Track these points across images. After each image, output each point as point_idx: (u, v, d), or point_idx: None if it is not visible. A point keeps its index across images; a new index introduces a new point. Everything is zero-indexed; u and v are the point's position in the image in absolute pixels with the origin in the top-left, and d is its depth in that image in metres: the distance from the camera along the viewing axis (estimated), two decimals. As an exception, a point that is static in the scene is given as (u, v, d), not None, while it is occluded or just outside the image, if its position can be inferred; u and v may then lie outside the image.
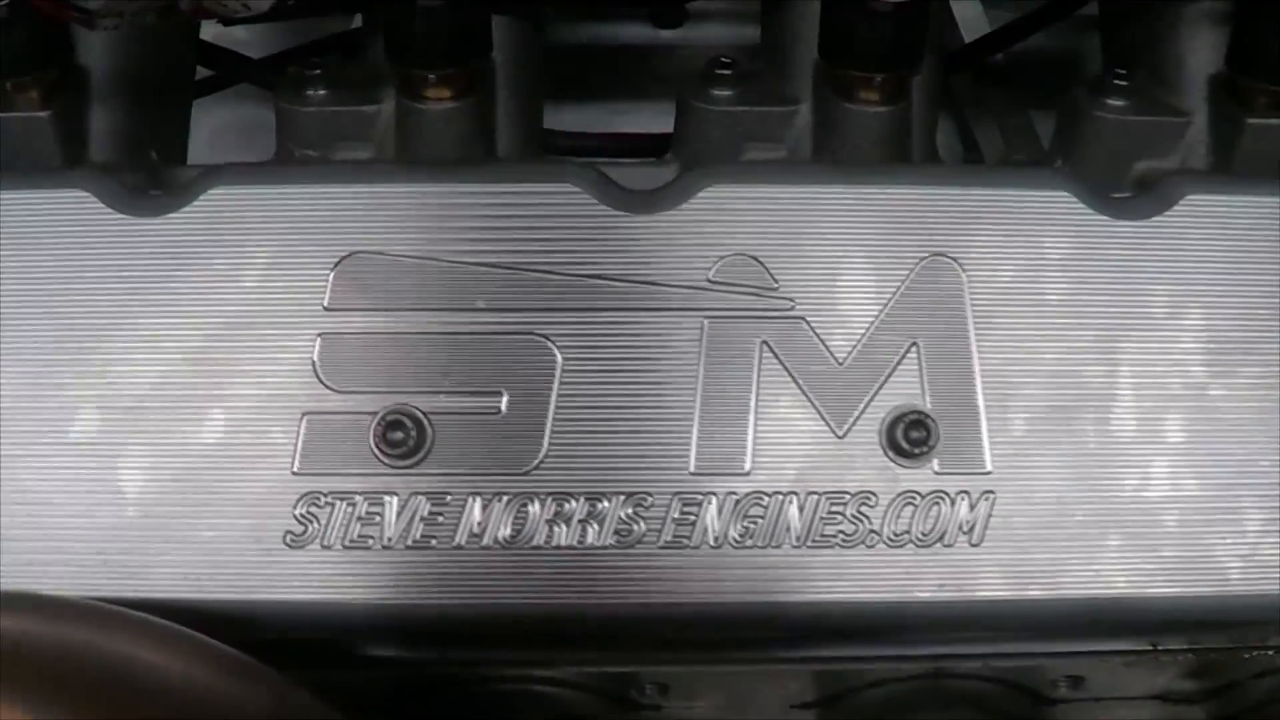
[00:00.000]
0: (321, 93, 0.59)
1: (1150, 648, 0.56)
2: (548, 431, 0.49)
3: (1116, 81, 0.62)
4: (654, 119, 0.83)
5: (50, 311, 0.49)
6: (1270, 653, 0.58)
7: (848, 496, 0.49)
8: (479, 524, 0.48)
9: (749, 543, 0.49)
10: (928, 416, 0.49)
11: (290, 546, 0.48)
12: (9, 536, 0.48)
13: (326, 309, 0.49)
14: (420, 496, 0.48)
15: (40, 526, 0.48)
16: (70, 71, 0.59)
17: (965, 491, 0.49)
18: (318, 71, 0.60)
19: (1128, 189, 0.58)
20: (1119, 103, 0.61)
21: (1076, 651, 0.56)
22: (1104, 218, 0.51)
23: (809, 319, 0.50)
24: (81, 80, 0.59)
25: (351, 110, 0.60)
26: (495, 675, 0.53)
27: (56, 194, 0.49)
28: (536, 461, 0.49)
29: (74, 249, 0.49)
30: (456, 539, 0.48)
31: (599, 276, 0.49)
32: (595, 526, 0.48)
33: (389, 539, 0.48)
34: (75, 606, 0.41)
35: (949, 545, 0.49)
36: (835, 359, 0.50)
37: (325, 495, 0.48)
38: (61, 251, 0.49)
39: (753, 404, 0.49)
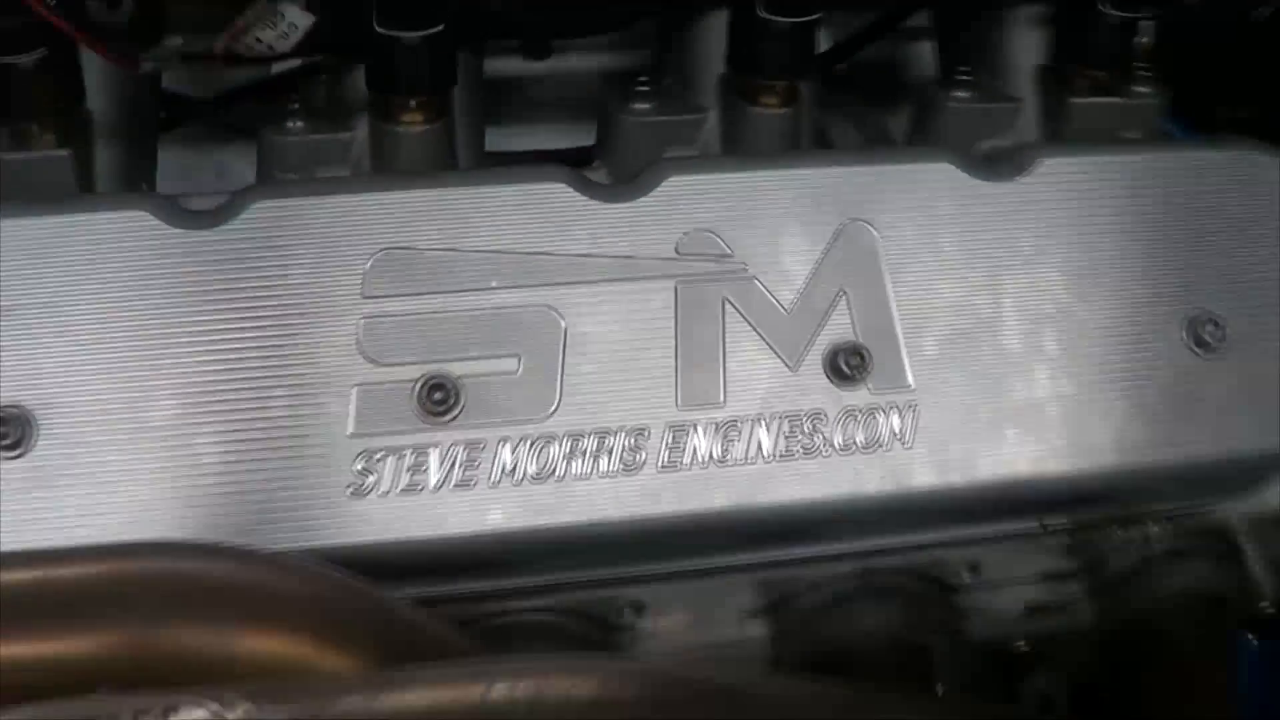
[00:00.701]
0: (300, 124, 0.69)
1: (1039, 526, 0.70)
2: (559, 385, 0.60)
3: (960, 77, 0.76)
4: (545, 139, 0.95)
5: (125, 316, 0.57)
6: (1139, 525, 0.73)
7: (803, 416, 0.61)
8: (509, 464, 0.59)
9: (729, 460, 0.61)
10: (860, 347, 0.62)
11: (353, 497, 0.58)
12: (97, 513, 0.56)
13: (364, 297, 0.59)
14: (459, 446, 0.59)
15: (128, 499, 0.56)
16: (80, 114, 0.67)
17: (895, 404, 0.62)
18: (296, 105, 0.70)
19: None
20: (964, 94, 0.76)
21: (978, 539, 0.70)
22: (979, 181, 0.65)
23: (759, 278, 0.62)
24: (88, 122, 0.67)
25: (330, 138, 0.69)
26: (498, 609, 0.63)
27: (119, 214, 0.58)
28: (552, 409, 0.60)
29: (141, 261, 0.57)
30: (492, 478, 0.59)
31: (589, 255, 0.61)
32: (605, 457, 0.60)
33: (435, 483, 0.58)
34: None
35: (886, 448, 0.62)
36: (783, 308, 0.62)
37: (378, 452, 0.58)
38: (130, 263, 0.57)
39: (721, 349, 0.61)
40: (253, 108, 0.85)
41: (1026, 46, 0.78)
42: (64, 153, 0.65)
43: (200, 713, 0.41)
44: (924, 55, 0.93)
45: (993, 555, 0.72)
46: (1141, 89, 0.76)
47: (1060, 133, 0.74)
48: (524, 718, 0.43)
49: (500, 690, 0.42)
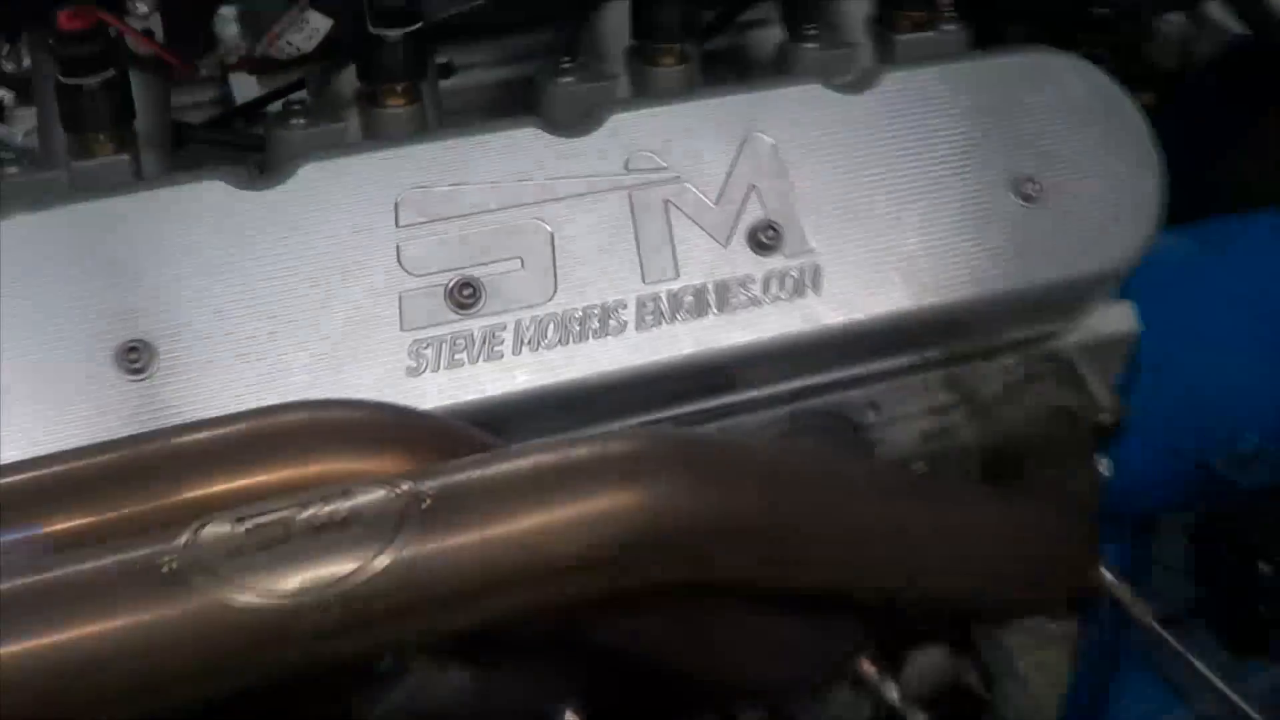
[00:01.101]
0: (302, 120, 0.87)
1: (921, 360, 0.91)
2: (555, 276, 0.79)
3: (809, 32, 0.98)
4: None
5: (221, 262, 0.74)
6: (997, 356, 0.94)
7: (738, 280, 0.81)
8: (526, 338, 0.77)
9: (687, 318, 0.80)
10: (773, 223, 0.82)
11: (408, 377, 0.76)
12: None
13: (398, 226, 0.77)
14: (486, 329, 0.77)
15: (234, 405, 0.73)
16: (131, 127, 0.84)
17: (803, 264, 0.83)
18: (298, 105, 0.88)
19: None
20: (812, 45, 0.97)
21: (877, 374, 0.90)
22: (841, 96, 0.86)
23: (690, 183, 0.82)
24: (135, 134, 0.84)
25: (329, 127, 0.87)
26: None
27: (200, 185, 0.75)
28: (551, 295, 0.79)
29: (227, 216, 0.75)
30: (514, 350, 0.77)
31: (562, 178, 0.80)
32: (595, 324, 0.79)
33: (471, 358, 0.77)
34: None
35: (803, 296, 0.82)
36: (710, 202, 0.82)
37: (424, 341, 0.76)
38: (219, 219, 0.75)
39: (670, 237, 0.81)
40: (240, 128, 1.03)
41: (857, 2, 0.99)
42: (125, 158, 0.82)
43: (379, 491, 0.59)
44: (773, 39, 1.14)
45: (888, 394, 0.93)
46: (949, 26, 0.98)
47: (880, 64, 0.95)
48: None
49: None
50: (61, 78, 0.78)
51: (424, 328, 0.77)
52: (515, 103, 1.03)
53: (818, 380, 0.88)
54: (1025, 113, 0.89)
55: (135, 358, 0.73)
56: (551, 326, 0.78)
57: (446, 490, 0.59)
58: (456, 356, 0.77)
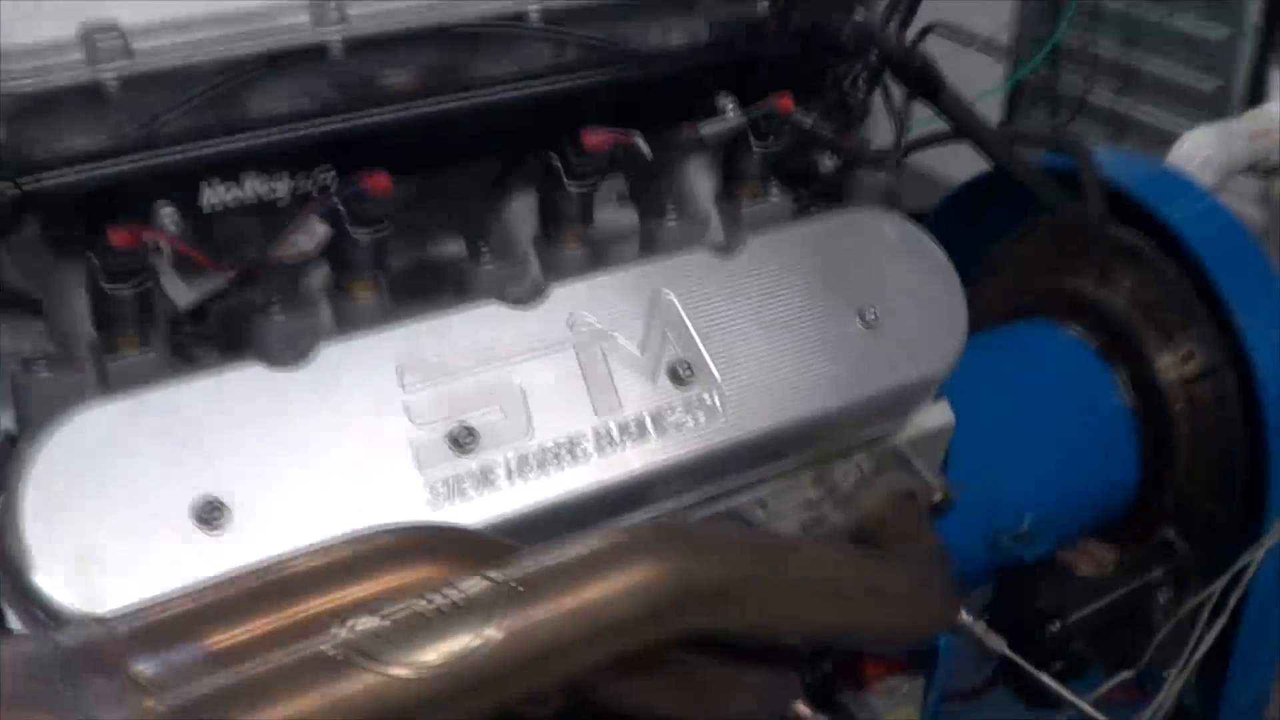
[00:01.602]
0: (280, 316, 1.05)
1: (794, 465, 1.15)
2: (529, 419, 1.00)
3: (669, 209, 1.22)
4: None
5: (271, 430, 0.92)
6: (849, 456, 1.19)
7: (666, 408, 1.04)
8: (512, 470, 0.98)
9: (633, 442, 1.02)
10: (685, 362, 1.06)
11: (429, 508, 0.95)
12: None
13: (404, 389, 0.97)
14: (483, 465, 0.97)
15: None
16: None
17: (710, 392, 1.06)
18: (274, 301, 1.05)
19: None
20: (672, 221, 1.21)
21: (763, 479, 1.14)
22: (721, 260, 1.11)
23: (619, 335, 1.05)
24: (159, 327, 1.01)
25: (306, 321, 1.05)
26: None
27: (244, 369, 0.93)
28: (528, 433, 0.99)
29: (268, 391, 0.93)
30: (506, 480, 0.97)
31: (522, 338, 1.02)
32: (565, 454, 1.00)
33: (476, 489, 0.96)
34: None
35: (715, 418, 1.06)
36: (637, 349, 1.05)
37: (437, 479, 0.95)
38: (262, 394, 0.93)
39: (611, 380, 1.03)
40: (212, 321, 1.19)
41: (704, 179, 1.25)
42: (152, 355, 0.99)
43: (479, 581, 0.78)
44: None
45: (772, 494, 1.17)
46: (776, 196, 1.24)
47: (738, 229, 1.21)
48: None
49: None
50: (107, 286, 0.95)
51: (434, 468, 0.96)
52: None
53: (720, 488, 1.11)
54: (857, 257, 1.16)
55: (213, 517, 0.89)
56: (531, 459, 0.99)
57: (528, 577, 0.78)
58: (463, 489, 0.96)
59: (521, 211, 1.17)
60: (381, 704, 0.71)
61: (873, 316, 1.14)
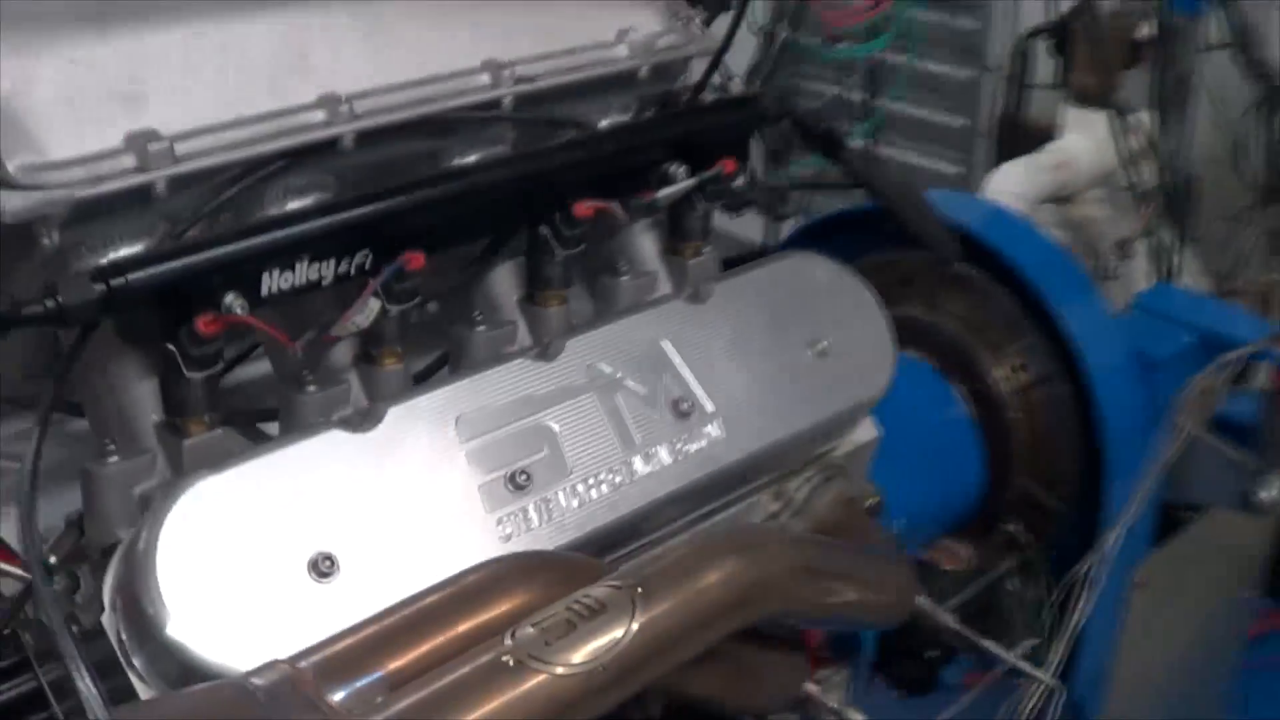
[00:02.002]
0: (313, 387, 1.16)
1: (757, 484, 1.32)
2: (565, 459, 1.14)
3: (622, 268, 1.38)
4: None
5: (359, 487, 1.03)
6: (802, 472, 1.37)
7: (676, 438, 1.20)
8: (563, 503, 1.12)
9: (655, 470, 1.17)
10: (683, 398, 1.22)
11: (503, 543, 1.07)
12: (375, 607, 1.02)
13: (461, 441, 1.10)
14: (540, 501, 1.10)
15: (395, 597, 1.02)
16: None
17: (709, 421, 1.23)
18: (308, 374, 1.16)
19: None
20: (626, 278, 1.37)
21: (734, 499, 1.30)
22: (695, 306, 1.28)
23: (629, 379, 1.20)
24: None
25: (337, 390, 1.17)
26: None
27: (328, 435, 1.04)
28: (569, 472, 1.13)
29: (357, 457, 1.04)
30: (562, 512, 1.11)
31: (552, 386, 1.16)
32: (603, 486, 1.14)
33: (540, 523, 1.10)
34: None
35: (715, 443, 1.22)
36: (643, 390, 1.21)
37: (504, 516, 1.08)
38: (347, 456, 1.04)
39: (628, 419, 1.18)
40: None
41: (650, 238, 1.41)
42: (219, 433, 1.08)
43: (608, 588, 0.92)
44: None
45: (742, 512, 1.34)
46: (707, 249, 1.42)
47: (684, 282, 1.38)
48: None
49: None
50: (188, 372, 1.04)
51: (501, 508, 1.09)
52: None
53: (710, 506, 1.27)
54: (801, 297, 1.35)
55: (325, 568, 1.00)
56: (574, 492, 1.13)
57: (645, 581, 0.93)
58: (528, 522, 1.09)
59: (504, 277, 1.30)
60: (556, 700, 0.84)
61: (823, 348, 1.33)
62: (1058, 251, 2.10)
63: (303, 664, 0.84)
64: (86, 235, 1.07)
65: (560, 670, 0.85)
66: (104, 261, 1.06)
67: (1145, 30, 2.26)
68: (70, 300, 0.98)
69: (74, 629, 0.95)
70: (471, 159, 1.28)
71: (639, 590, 0.91)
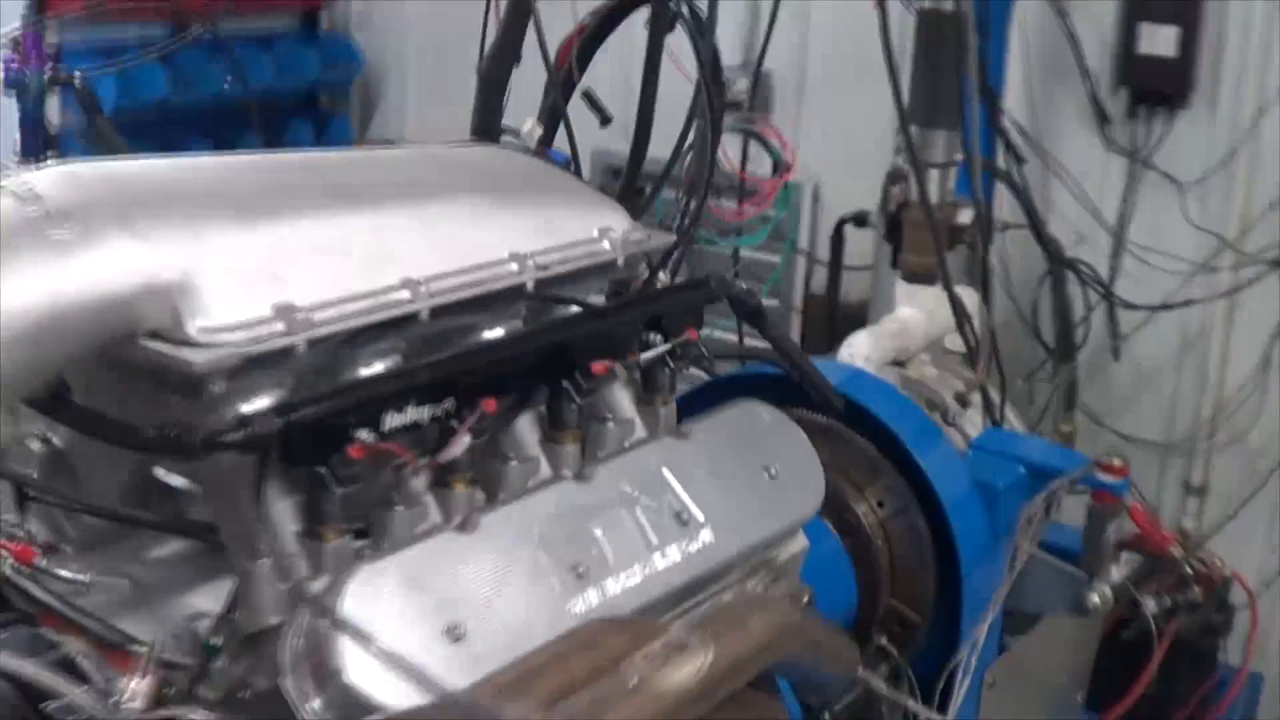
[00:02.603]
0: (403, 507, 1.50)
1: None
2: (610, 555, 1.50)
3: (606, 417, 1.77)
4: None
5: (482, 582, 1.38)
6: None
7: (681, 540, 1.58)
8: (611, 592, 1.48)
9: (670, 563, 1.55)
10: (682, 512, 1.60)
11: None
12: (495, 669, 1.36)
13: (539, 542, 1.45)
14: (599, 592, 1.46)
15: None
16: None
17: (701, 528, 1.61)
18: (397, 498, 1.50)
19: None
20: (611, 425, 1.76)
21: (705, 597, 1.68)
22: (677, 440, 1.67)
23: (645, 495, 1.58)
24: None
25: (418, 509, 1.51)
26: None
27: (439, 536, 1.38)
28: (613, 564, 1.50)
29: (465, 554, 1.38)
30: (610, 598, 1.47)
31: (593, 504, 1.53)
32: (637, 577, 1.51)
33: (599, 610, 1.45)
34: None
35: (707, 545, 1.60)
36: (652, 505, 1.58)
37: (576, 606, 1.44)
38: (463, 557, 1.38)
39: (647, 526, 1.56)
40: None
41: (626, 395, 1.80)
42: (349, 537, 1.41)
43: (692, 635, 1.28)
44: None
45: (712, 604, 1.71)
46: (672, 399, 1.82)
47: (656, 426, 1.77)
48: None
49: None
50: (335, 489, 1.37)
51: (572, 594, 1.44)
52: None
53: (696, 599, 1.64)
54: (754, 433, 1.75)
55: (457, 634, 1.33)
56: (619, 580, 1.49)
57: (708, 625, 1.30)
58: (589, 603, 1.44)
59: (526, 424, 1.66)
60: (667, 709, 1.20)
61: (774, 473, 1.73)
62: (909, 404, 2.58)
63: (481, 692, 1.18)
64: (237, 384, 1.39)
65: (665, 688, 1.21)
66: (260, 405, 1.38)
67: (964, 217, 2.79)
68: (261, 430, 1.31)
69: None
70: (500, 330, 1.65)
71: (706, 634, 1.28)
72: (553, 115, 2.34)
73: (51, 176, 1.40)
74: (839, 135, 4.42)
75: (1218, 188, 4.07)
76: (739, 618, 1.34)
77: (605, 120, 2.36)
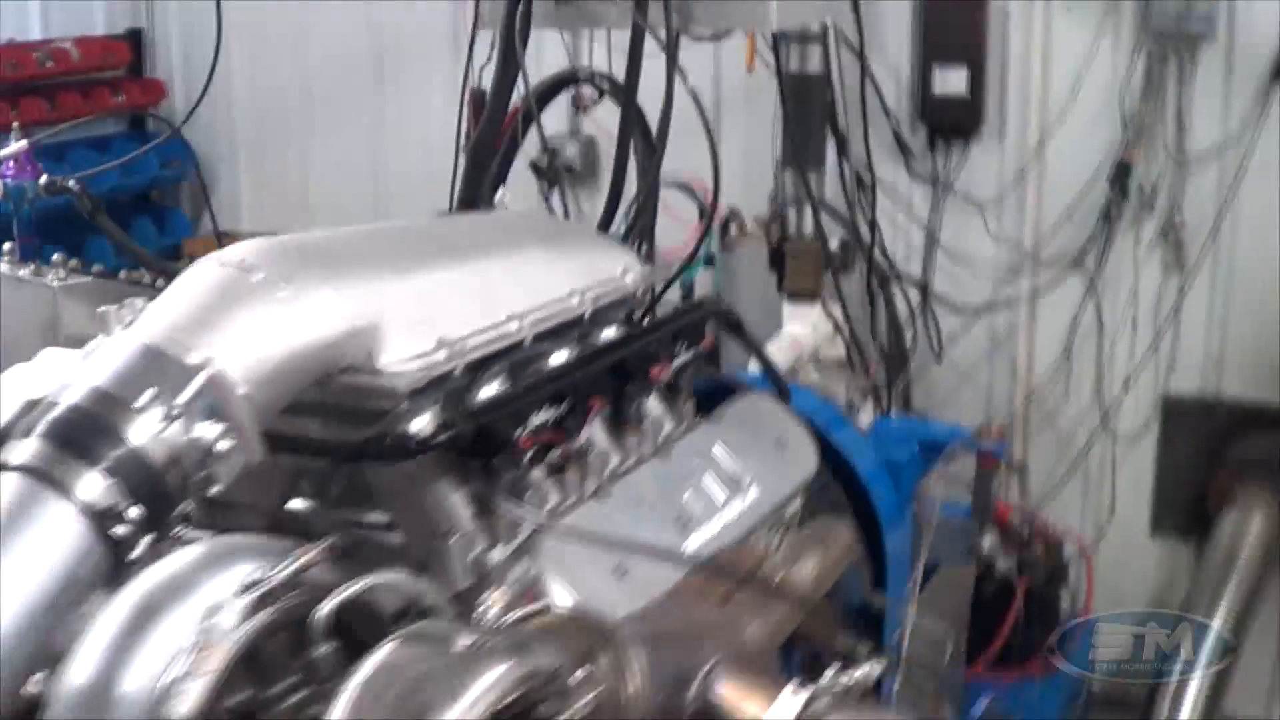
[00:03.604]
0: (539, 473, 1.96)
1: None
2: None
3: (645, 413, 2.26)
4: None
5: None
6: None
7: (739, 492, 2.08)
8: None
9: (738, 509, 2.05)
10: (734, 475, 2.11)
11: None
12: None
13: (657, 500, 1.94)
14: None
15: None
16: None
17: (745, 489, 2.12)
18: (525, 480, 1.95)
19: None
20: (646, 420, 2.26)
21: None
22: (717, 426, 2.18)
23: (708, 470, 2.08)
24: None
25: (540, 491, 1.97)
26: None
27: (585, 505, 1.85)
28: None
29: (606, 513, 1.86)
30: None
31: (683, 476, 2.02)
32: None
33: None
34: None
35: (757, 496, 2.11)
36: (715, 472, 2.09)
37: (690, 532, 1.93)
38: (605, 516, 1.85)
39: (710, 489, 2.06)
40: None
41: (656, 394, 2.30)
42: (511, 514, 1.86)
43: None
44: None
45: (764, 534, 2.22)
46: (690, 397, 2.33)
47: (680, 419, 2.27)
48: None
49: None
50: (510, 473, 1.82)
51: (685, 544, 1.92)
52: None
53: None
54: (761, 418, 2.27)
55: (621, 571, 1.80)
56: (711, 519, 1.98)
57: (812, 542, 1.81)
58: (701, 535, 1.93)
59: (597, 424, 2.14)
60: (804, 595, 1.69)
61: (783, 443, 2.26)
62: (824, 399, 3.14)
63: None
64: (412, 403, 1.83)
65: (799, 579, 1.70)
66: (426, 420, 1.82)
67: (833, 245, 3.40)
68: (464, 430, 1.75)
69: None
70: (566, 351, 2.12)
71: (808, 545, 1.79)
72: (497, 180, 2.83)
73: (250, 249, 1.79)
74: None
75: (1012, 205, 4.81)
76: (825, 536, 1.85)
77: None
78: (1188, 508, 4.65)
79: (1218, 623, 3.71)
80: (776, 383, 2.58)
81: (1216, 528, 4.20)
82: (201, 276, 1.72)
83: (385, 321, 1.81)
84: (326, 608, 1.25)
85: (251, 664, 1.27)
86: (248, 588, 1.25)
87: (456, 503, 1.83)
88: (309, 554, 1.29)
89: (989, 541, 3.10)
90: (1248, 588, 3.83)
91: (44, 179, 2.78)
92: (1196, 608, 3.83)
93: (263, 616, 1.23)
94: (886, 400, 3.36)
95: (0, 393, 1.73)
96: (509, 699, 1.12)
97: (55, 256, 2.75)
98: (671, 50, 2.58)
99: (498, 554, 1.80)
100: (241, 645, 1.22)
